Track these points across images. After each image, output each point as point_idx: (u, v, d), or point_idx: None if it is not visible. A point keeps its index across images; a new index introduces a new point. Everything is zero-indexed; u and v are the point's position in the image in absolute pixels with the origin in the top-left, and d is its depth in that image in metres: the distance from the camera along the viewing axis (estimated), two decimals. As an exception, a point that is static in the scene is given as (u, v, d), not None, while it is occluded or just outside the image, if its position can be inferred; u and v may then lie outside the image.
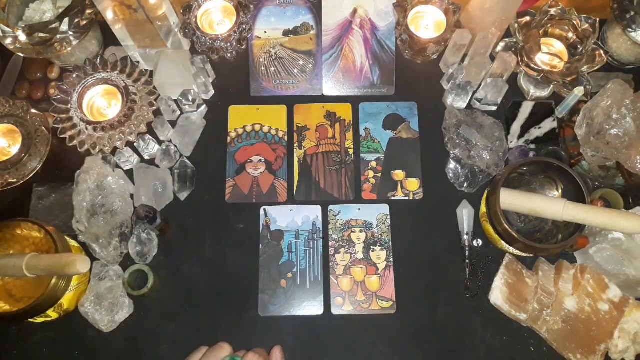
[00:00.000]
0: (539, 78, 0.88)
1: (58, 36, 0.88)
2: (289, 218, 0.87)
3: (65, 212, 0.86)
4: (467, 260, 0.83)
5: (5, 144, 0.89)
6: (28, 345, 0.81)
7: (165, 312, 0.83)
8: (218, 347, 0.58)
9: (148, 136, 0.89)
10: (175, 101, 0.92)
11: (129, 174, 0.89)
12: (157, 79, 0.90)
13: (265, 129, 0.93)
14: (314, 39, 0.98)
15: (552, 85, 0.91)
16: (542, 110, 0.92)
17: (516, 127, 0.91)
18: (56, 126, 0.88)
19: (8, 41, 0.89)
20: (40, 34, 0.87)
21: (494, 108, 0.93)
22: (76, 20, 0.88)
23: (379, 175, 0.90)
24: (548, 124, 0.91)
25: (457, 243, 0.85)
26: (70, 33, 0.88)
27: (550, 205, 0.75)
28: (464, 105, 0.93)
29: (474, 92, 0.92)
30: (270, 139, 0.93)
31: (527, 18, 0.92)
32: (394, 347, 0.81)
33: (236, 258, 0.85)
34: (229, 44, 0.93)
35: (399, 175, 0.90)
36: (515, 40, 0.92)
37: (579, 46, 0.91)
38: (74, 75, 0.90)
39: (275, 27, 0.98)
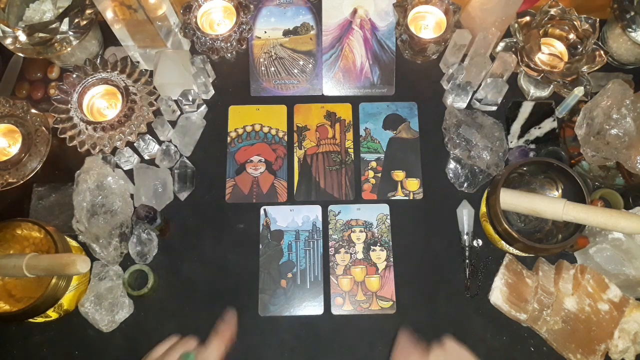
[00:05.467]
0: (539, 78, 0.88)
1: (58, 36, 0.88)
2: (289, 218, 0.87)
3: (65, 212, 0.86)
4: (467, 260, 0.83)
5: (5, 144, 0.89)
6: (28, 345, 0.81)
7: (165, 312, 0.83)
8: (184, 341, 0.61)
9: (148, 136, 0.89)
10: (175, 101, 0.92)
11: (129, 174, 0.89)
12: (157, 79, 0.90)
13: (265, 129, 0.93)
14: (314, 39, 0.98)
15: (552, 85, 0.91)
16: (542, 110, 0.92)
17: (516, 127, 0.91)
18: (56, 126, 0.88)
19: (8, 41, 0.89)
20: (40, 34, 0.87)
21: (494, 108, 0.93)
22: (76, 20, 0.88)
23: (379, 175, 0.90)
24: (548, 124, 0.91)
25: (457, 243, 0.85)
26: (70, 33, 0.88)
27: (550, 205, 0.75)
28: (464, 105, 0.93)
29: (474, 92, 0.92)
30: (270, 139, 0.93)
31: (527, 18, 0.92)
32: (394, 347, 0.80)
33: (236, 258, 0.85)
34: (229, 44, 0.93)
35: (399, 175, 0.90)
36: (515, 40, 0.92)
37: (579, 46, 0.91)
38: (74, 75, 0.90)
39: (275, 27, 0.98)
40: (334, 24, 0.98)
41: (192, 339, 0.62)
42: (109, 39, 0.96)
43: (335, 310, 0.82)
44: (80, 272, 0.69)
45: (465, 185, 0.88)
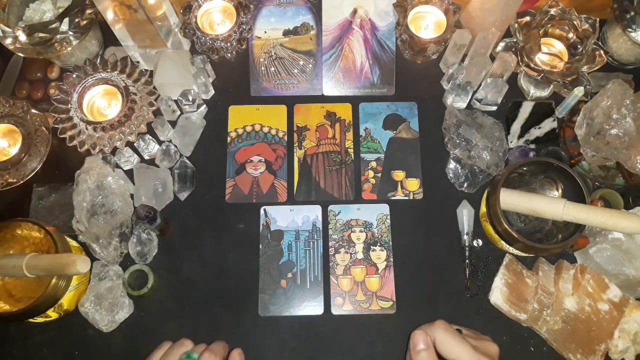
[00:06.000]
0: (539, 78, 0.88)
1: (58, 36, 0.88)
2: (289, 218, 0.87)
3: (65, 212, 0.86)
4: (467, 260, 0.83)
5: (5, 144, 0.89)
6: (28, 345, 0.81)
7: (165, 312, 0.83)
8: (179, 343, 0.61)
9: (148, 136, 0.89)
10: (175, 101, 0.92)
11: (129, 174, 0.89)
12: (157, 79, 0.90)
13: (265, 129, 0.93)
14: (314, 39, 0.98)
15: (552, 85, 0.91)
16: (542, 110, 0.92)
17: (516, 127, 0.91)
18: (56, 126, 0.88)
19: (8, 41, 0.89)
20: (40, 34, 0.87)
21: (494, 108, 0.93)
22: (76, 20, 0.88)
23: (379, 175, 0.90)
24: (548, 124, 0.91)
25: (457, 243, 0.85)
26: (70, 33, 0.88)
27: (550, 205, 0.75)
28: (464, 105, 0.93)
29: (474, 92, 0.92)
30: (270, 139, 0.93)
31: (527, 18, 0.92)
32: (394, 347, 0.81)
33: (236, 258, 0.85)
34: (229, 44, 0.93)
35: (399, 175, 0.90)
36: (515, 40, 0.92)
37: (579, 46, 0.91)
38: (74, 75, 0.90)
39: (275, 27, 0.98)
40: (334, 24, 0.98)
41: (187, 341, 0.61)
42: (109, 39, 0.96)
43: (335, 310, 0.82)
44: (80, 272, 0.69)
45: (465, 185, 0.88)
